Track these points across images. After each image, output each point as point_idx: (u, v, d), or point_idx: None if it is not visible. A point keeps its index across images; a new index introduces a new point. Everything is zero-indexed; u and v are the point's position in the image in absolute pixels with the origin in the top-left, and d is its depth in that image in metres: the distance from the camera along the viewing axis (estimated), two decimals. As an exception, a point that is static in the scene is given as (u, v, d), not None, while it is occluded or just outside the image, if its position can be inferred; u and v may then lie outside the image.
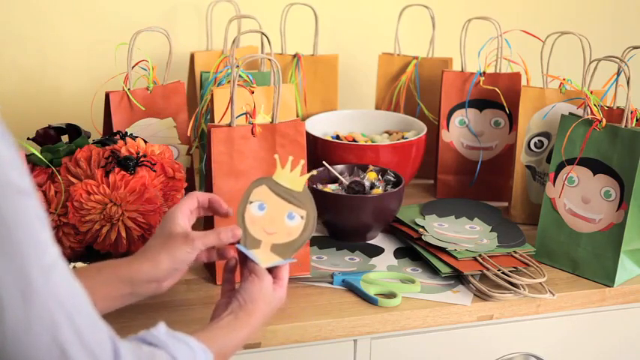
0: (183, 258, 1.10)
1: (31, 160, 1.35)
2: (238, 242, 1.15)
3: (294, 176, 1.18)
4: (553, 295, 1.34)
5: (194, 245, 1.10)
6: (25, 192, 0.79)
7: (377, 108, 1.86)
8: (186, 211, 1.13)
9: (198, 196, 1.16)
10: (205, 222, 1.35)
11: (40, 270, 0.79)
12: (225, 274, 1.16)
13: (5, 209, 0.77)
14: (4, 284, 0.77)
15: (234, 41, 1.47)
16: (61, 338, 0.80)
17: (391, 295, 1.32)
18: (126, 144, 1.36)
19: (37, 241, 0.80)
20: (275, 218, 1.17)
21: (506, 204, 1.68)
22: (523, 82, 1.65)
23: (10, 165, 0.78)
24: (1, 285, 0.77)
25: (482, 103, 1.68)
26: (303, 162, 1.18)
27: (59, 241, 1.33)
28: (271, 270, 1.14)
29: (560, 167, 1.44)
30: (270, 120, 1.34)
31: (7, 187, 0.77)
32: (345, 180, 1.55)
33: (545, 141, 1.58)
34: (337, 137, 1.71)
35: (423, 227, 1.49)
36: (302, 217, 1.18)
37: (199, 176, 1.64)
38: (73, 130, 1.49)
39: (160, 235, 1.11)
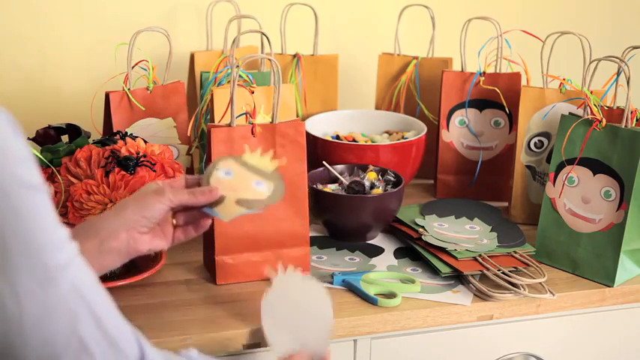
0: (151, 206, 1.09)
1: (31, 160, 1.35)
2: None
3: (265, 160, 1.19)
4: (553, 295, 1.34)
5: (164, 195, 1.10)
6: (38, 188, 0.79)
7: (377, 108, 1.86)
8: (168, 183, 1.13)
9: (188, 178, 1.16)
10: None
11: (58, 263, 0.80)
12: None
13: (20, 204, 0.77)
14: (21, 276, 0.78)
15: (234, 41, 1.47)
16: (80, 330, 0.81)
17: (391, 295, 1.32)
18: (126, 144, 1.36)
19: (53, 235, 0.80)
20: (241, 182, 1.17)
21: (506, 204, 1.68)
22: (523, 82, 1.65)
23: (24, 162, 0.78)
24: (19, 276, 0.78)
25: (482, 103, 1.68)
26: (272, 151, 1.20)
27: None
28: None
29: (560, 167, 1.44)
30: (270, 120, 1.34)
31: (20, 183, 0.77)
32: (345, 180, 1.55)
33: (545, 141, 1.58)
34: (337, 137, 1.71)
35: (423, 227, 1.49)
36: (269, 187, 1.18)
37: (199, 176, 1.64)
38: (73, 130, 1.49)
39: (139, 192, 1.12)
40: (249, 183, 1.18)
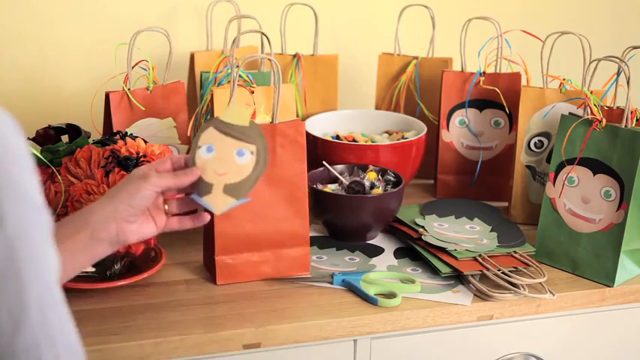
0: (138, 194, 1.09)
1: (31, 160, 1.35)
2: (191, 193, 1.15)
3: (239, 110, 1.17)
4: (553, 295, 1.34)
5: (149, 180, 1.09)
6: (40, 209, 0.77)
7: (377, 108, 1.86)
8: (154, 167, 1.13)
9: (173, 158, 1.16)
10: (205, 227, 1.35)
11: (39, 305, 0.76)
12: None
13: (19, 224, 0.74)
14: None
15: (234, 41, 1.46)
16: None
17: (391, 295, 1.32)
18: (126, 144, 1.36)
19: (43, 274, 0.77)
20: (224, 157, 1.17)
21: (506, 204, 1.68)
22: (523, 82, 1.65)
23: (31, 179, 0.76)
24: None
25: (482, 103, 1.68)
26: (245, 103, 1.19)
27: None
28: None
29: (560, 167, 1.44)
30: (270, 120, 1.34)
31: (24, 200, 0.75)
32: (345, 180, 1.55)
33: (545, 141, 1.58)
34: (337, 137, 1.71)
35: (423, 227, 1.49)
36: (252, 153, 1.18)
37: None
38: (73, 130, 1.49)
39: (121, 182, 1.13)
40: (231, 156, 1.17)
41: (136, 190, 1.09)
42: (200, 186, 1.15)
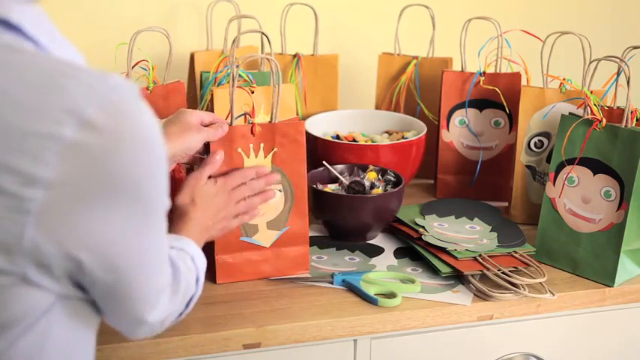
0: (192, 145, 1.24)
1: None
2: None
3: (260, 160, 1.32)
4: (553, 295, 1.34)
5: (202, 134, 1.25)
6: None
7: (377, 108, 1.86)
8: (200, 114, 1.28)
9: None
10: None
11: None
12: None
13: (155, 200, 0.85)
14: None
15: (234, 41, 1.46)
16: None
17: (391, 295, 1.32)
18: (126, 144, 1.35)
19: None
20: None
21: (506, 204, 1.68)
22: (523, 82, 1.65)
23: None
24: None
25: (482, 103, 1.68)
26: (262, 144, 1.31)
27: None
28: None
29: (560, 167, 1.44)
30: (270, 120, 1.34)
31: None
32: (345, 180, 1.55)
33: (545, 141, 1.58)
34: (337, 137, 1.71)
35: (423, 227, 1.49)
36: (280, 190, 1.34)
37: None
38: (73, 130, 1.49)
39: (177, 123, 1.24)
40: None
41: (193, 142, 1.24)
42: (247, 228, 1.33)
